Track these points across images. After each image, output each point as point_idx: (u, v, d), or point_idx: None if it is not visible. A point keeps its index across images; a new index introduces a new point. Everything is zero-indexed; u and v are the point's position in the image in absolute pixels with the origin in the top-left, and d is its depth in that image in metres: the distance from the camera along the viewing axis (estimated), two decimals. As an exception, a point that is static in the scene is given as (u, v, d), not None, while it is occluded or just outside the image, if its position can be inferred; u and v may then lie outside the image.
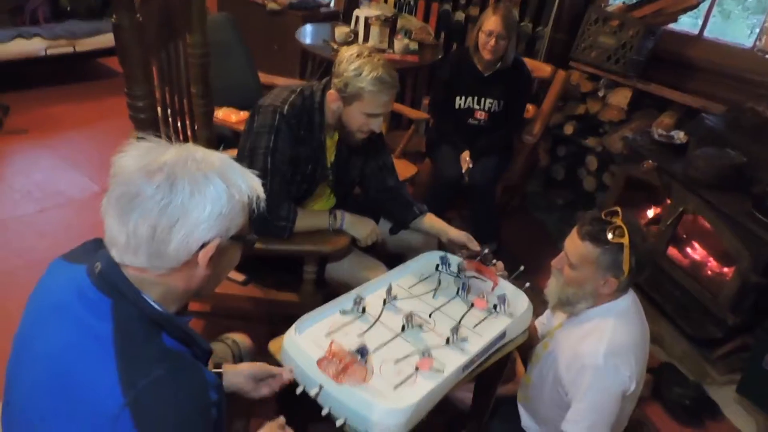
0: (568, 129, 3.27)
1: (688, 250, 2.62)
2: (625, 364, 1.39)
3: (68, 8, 4.29)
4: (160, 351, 0.87)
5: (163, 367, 0.84)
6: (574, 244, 1.43)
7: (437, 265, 1.67)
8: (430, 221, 1.93)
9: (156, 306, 0.89)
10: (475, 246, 1.77)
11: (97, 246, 0.96)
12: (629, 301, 1.48)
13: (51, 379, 0.85)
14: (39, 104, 3.95)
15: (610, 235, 1.36)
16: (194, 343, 0.94)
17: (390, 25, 3.43)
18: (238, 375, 1.22)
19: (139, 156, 0.87)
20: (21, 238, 2.66)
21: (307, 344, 1.28)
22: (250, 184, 0.93)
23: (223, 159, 0.92)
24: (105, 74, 4.65)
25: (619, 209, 1.43)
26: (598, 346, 1.39)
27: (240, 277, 1.88)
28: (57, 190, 3.04)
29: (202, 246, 0.88)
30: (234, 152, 1.85)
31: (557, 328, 1.59)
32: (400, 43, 3.38)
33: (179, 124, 1.87)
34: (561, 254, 1.49)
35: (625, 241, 1.36)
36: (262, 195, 0.96)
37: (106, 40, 4.22)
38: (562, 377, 1.47)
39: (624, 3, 3.16)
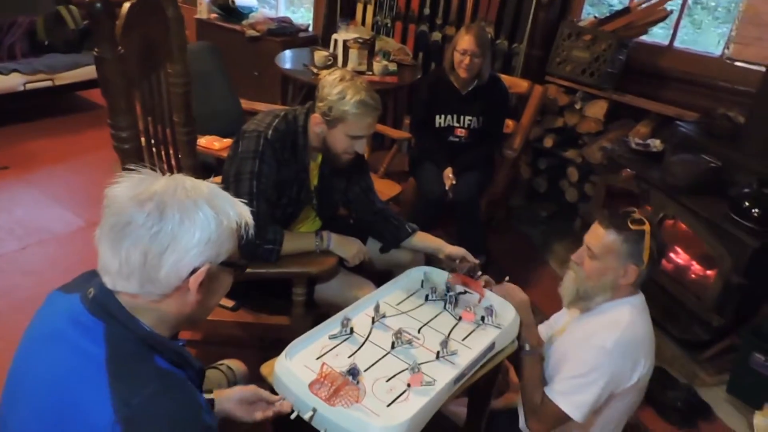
0: (548, 142, 3.33)
1: (671, 255, 2.66)
2: (630, 355, 1.44)
3: (46, 42, 4.29)
4: (152, 370, 0.88)
5: (156, 384, 0.85)
6: (596, 235, 1.49)
7: (422, 281, 1.68)
8: (424, 239, 1.96)
9: (148, 329, 0.91)
10: (472, 260, 1.80)
11: (92, 276, 0.97)
12: (643, 298, 1.54)
13: (47, 406, 0.86)
14: (19, 140, 3.93)
15: (631, 224, 1.44)
16: (187, 363, 0.95)
17: (368, 47, 3.48)
18: (228, 400, 1.22)
19: (131, 186, 0.90)
20: (5, 277, 2.63)
21: (298, 368, 1.28)
22: (238, 211, 0.96)
23: (211, 187, 0.95)
24: (85, 107, 4.64)
25: (635, 208, 1.51)
26: (611, 333, 1.43)
27: (229, 303, 1.88)
28: (40, 226, 3.01)
29: (193, 272, 0.90)
30: (219, 179, 1.87)
31: (567, 324, 1.62)
32: (378, 65, 3.43)
33: (163, 154, 1.88)
34: (581, 248, 1.54)
35: (647, 228, 1.44)
36: (251, 221, 0.98)
37: (85, 73, 4.22)
38: (567, 362, 1.49)
39: (595, 17, 3.24)
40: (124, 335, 0.88)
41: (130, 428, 0.81)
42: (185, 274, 0.90)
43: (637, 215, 1.46)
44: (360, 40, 3.46)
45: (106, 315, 0.89)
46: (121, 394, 0.82)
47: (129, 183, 0.90)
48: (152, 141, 1.80)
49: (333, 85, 1.69)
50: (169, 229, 0.87)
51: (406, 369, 1.32)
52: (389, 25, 4.00)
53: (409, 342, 1.42)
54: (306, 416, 1.18)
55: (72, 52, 4.33)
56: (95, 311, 0.89)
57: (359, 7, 4.11)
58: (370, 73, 3.42)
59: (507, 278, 1.68)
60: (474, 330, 1.50)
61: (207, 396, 1.20)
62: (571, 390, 1.44)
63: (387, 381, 1.29)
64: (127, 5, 1.57)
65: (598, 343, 1.43)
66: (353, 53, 3.42)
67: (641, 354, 1.46)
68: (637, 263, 1.45)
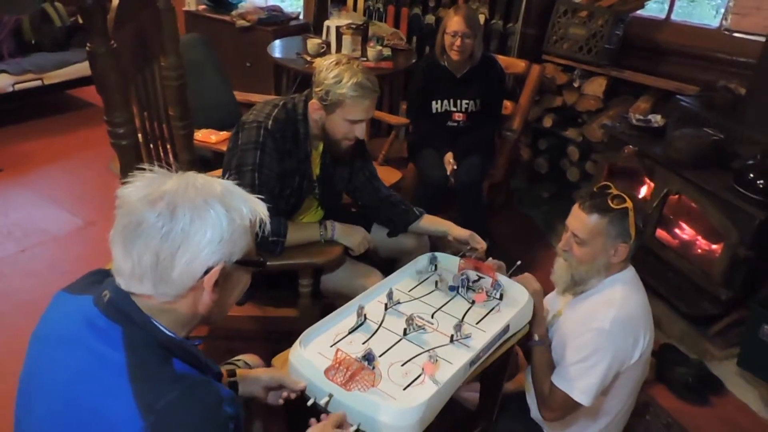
0: (547, 122, 3.30)
1: (676, 230, 2.65)
2: (630, 332, 1.44)
3: (33, 41, 4.21)
4: (172, 374, 0.87)
5: (178, 388, 0.84)
6: (580, 221, 1.47)
7: (434, 267, 1.66)
8: (431, 222, 1.96)
9: (166, 331, 0.90)
10: (478, 242, 1.79)
11: (99, 277, 0.97)
12: (633, 271, 1.54)
13: (66, 410, 0.85)
14: (11, 141, 3.88)
15: (613, 204, 1.43)
16: (204, 367, 0.94)
17: (362, 33, 3.44)
18: (255, 382, 1.24)
19: (142, 186, 0.89)
20: (5, 280, 2.60)
21: (313, 356, 1.28)
22: (251, 208, 0.94)
23: (224, 185, 0.94)
24: (76, 106, 4.58)
25: (609, 183, 1.50)
26: (608, 312, 1.43)
27: (235, 297, 1.86)
28: (38, 228, 2.98)
29: (207, 271, 0.89)
30: (217, 173, 1.84)
31: (563, 307, 1.61)
32: (373, 50, 3.39)
33: (161, 149, 1.85)
34: (566, 236, 1.52)
35: (629, 204, 1.44)
36: (266, 218, 0.97)
37: (75, 71, 4.17)
38: (567, 347, 1.49)
39: (590, -7, 3.20)
40: (143, 339, 0.87)
41: None
42: (199, 273, 0.89)
43: (615, 191, 1.46)
44: (353, 26, 3.42)
45: (123, 319, 0.88)
46: (146, 400, 0.81)
47: (140, 183, 0.90)
48: (149, 137, 1.77)
49: (329, 69, 1.66)
50: (179, 228, 0.86)
51: (422, 353, 1.31)
52: (381, 9, 3.94)
53: (422, 327, 1.40)
54: (323, 402, 1.17)
55: (60, 50, 4.26)
56: (112, 315, 0.88)
57: (350, -8, 4.05)
58: (365, 58, 3.37)
59: (519, 263, 1.67)
60: (487, 313, 1.49)
61: (230, 379, 1.21)
62: (575, 376, 1.43)
63: (402, 365, 1.28)
64: (117, -2, 1.54)
65: (596, 325, 1.43)
66: (347, 39, 3.37)
67: (640, 329, 1.46)
68: (625, 240, 1.45)
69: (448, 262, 1.68)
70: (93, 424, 0.82)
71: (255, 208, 0.95)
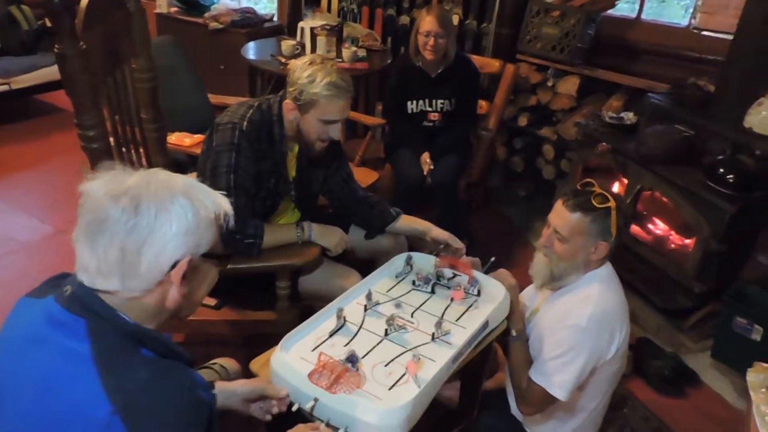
0: (522, 121, 3.33)
1: (650, 226, 2.69)
2: (607, 330, 1.45)
3: (-1, 45, 4.14)
4: (141, 360, 0.88)
5: (148, 370, 0.85)
6: (562, 218, 1.47)
7: (410, 266, 1.66)
8: (410, 222, 1.95)
9: (132, 322, 0.90)
10: (457, 243, 1.79)
11: (60, 280, 0.95)
12: (610, 268, 1.55)
13: (37, 407, 0.84)
14: (-22, 148, 3.80)
15: (596, 203, 1.44)
16: (174, 354, 0.94)
17: (336, 34, 3.43)
18: (232, 396, 1.21)
19: (105, 182, 0.88)
20: (-26, 289, 2.53)
21: (295, 361, 1.26)
22: (215, 201, 0.95)
23: (186, 179, 0.95)
24: (45, 111, 4.49)
25: (592, 180, 1.50)
26: (585, 309, 1.44)
27: (212, 301, 1.83)
28: (7, 236, 2.90)
29: (174, 265, 0.89)
30: (192, 176, 1.81)
31: (541, 303, 1.62)
32: (348, 51, 3.38)
33: (133, 152, 1.82)
34: (547, 232, 1.53)
35: (612, 204, 1.44)
36: (230, 211, 0.97)
37: (43, 75, 4.09)
38: (545, 343, 1.50)
39: (562, -7, 3.23)
40: (107, 329, 0.87)
41: (128, 415, 0.80)
42: (166, 267, 0.89)
43: (598, 190, 1.46)
44: (327, 27, 3.41)
45: (86, 311, 0.87)
46: (114, 384, 0.81)
47: (103, 179, 0.89)
48: (121, 140, 1.74)
49: (303, 69, 1.65)
50: (144, 222, 0.86)
51: (404, 352, 1.31)
52: (356, 10, 3.94)
53: (403, 327, 1.40)
54: (307, 407, 1.16)
55: (27, 54, 4.18)
56: (74, 309, 0.87)
57: (324, -6, 4.04)
58: (340, 59, 3.36)
59: (493, 259, 1.67)
60: (466, 310, 1.49)
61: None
62: (552, 371, 1.45)
63: (386, 365, 1.28)
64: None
65: (572, 323, 1.44)
66: (321, 41, 3.36)
67: (616, 325, 1.47)
68: (606, 239, 1.46)
69: (424, 261, 1.68)
70: (63, 415, 0.82)
71: (218, 201, 0.95)
